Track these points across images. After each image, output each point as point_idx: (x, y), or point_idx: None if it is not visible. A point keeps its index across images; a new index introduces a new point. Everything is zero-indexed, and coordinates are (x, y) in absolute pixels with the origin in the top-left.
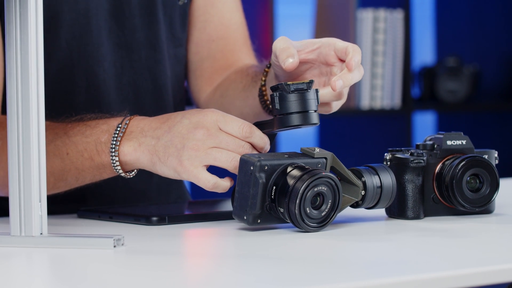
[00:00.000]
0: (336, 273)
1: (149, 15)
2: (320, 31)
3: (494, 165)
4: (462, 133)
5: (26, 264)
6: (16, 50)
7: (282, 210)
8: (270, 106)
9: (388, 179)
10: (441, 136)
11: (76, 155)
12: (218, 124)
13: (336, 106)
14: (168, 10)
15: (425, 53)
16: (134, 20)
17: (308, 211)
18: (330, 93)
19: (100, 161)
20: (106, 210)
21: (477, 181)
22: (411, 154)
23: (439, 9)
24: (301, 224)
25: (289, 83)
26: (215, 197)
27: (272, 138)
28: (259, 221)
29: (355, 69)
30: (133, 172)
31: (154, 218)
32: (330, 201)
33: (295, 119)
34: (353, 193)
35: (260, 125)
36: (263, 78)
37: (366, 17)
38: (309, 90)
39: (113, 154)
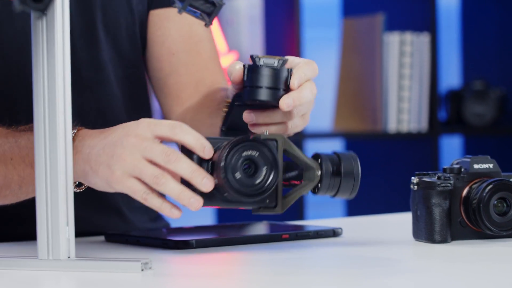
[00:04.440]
0: None
1: (90, 36)
2: (347, 54)
3: None
4: (489, 156)
5: None
6: (43, 68)
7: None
8: None
9: (349, 165)
10: (468, 159)
11: (18, 161)
12: (151, 131)
13: (293, 127)
14: (110, 30)
15: (451, 77)
16: (74, 41)
17: (238, 177)
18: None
19: None
20: (133, 234)
21: (504, 204)
22: (438, 178)
23: (466, 33)
24: (233, 195)
25: (260, 56)
26: (243, 221)
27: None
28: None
29: (300, 87)
30: (77, 185)
31: (182, 243)
32: (265, 167)
33: (246, 93)
34: (309, 177)
35: (237, 96)
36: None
37: (393, 40)
38: (276, 67)
39: None
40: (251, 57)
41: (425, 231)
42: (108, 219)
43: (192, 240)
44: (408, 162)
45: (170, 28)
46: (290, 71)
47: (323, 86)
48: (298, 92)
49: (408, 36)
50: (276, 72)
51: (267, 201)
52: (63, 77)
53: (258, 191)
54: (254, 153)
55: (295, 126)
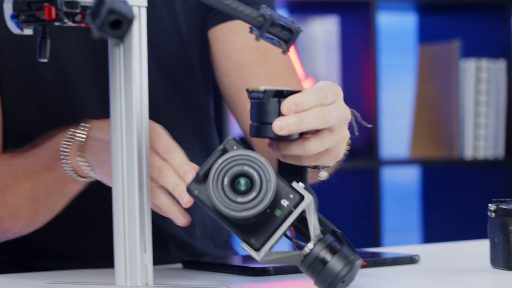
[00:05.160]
0: None
1: None
2: (423, 81)
3: None
4: None
5: None
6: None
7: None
8: None
9: (338, 263)
10: None
11: (40, 170)
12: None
13: (313, 161)
14: (161, 62)
15: None
16: None
17: (226, 183)
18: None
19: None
20: (211, 261)
21: None
22: None
23: None
24: (211, 195)
25: (250, 88)
26: None
27: None
28: (196, 192)
29: (303, 112)
30: None
31: (260, 270)
32: (257, 192)
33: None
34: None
35: None
36: None
37: (469, 67)
38: (264, 100)
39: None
40: (246, 90)
41: (503, 258)
42: (166, 252)
43: (270, 267)
44: (484, 189)
45: (234, 41)
46: (279, 101)
47: (400, 112)
48: (297, 116)
49: (485, 63)
50: (261, 105)
51: (253, 239)
52: (141, 105)
53: (234, 208)
54: (254, 174)
55: (315, 160)
